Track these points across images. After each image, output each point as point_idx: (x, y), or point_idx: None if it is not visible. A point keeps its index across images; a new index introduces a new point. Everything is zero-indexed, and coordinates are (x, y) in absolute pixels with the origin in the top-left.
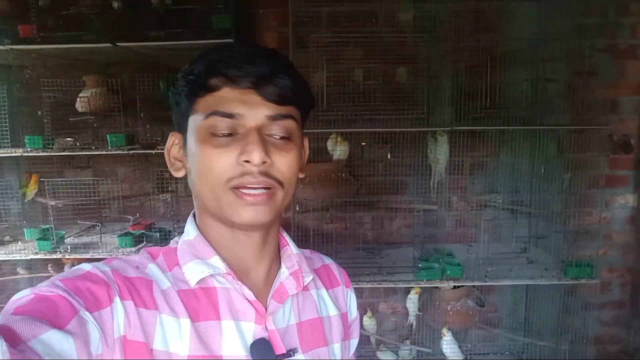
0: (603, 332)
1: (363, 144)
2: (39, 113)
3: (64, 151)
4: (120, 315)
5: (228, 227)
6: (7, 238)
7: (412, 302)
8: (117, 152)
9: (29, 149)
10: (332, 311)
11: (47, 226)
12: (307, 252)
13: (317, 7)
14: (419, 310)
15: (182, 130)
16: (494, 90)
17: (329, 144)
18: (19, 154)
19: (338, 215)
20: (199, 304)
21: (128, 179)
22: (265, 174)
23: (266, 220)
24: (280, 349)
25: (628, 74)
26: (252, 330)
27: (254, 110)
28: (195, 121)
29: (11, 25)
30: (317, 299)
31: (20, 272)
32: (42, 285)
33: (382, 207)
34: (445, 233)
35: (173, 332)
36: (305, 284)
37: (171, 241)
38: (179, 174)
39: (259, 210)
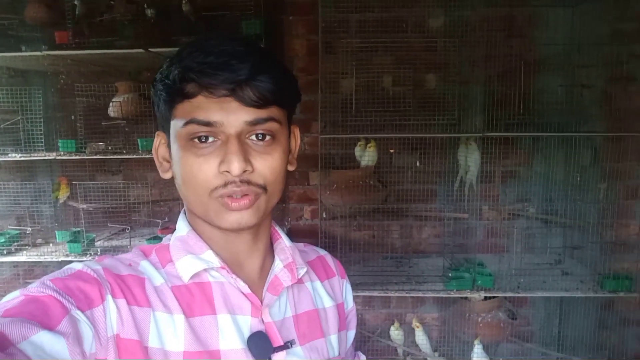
0: None
1: (391, 151)
2: (73, 118)
3: (96, 155)
4: (112, 313)
5: (217, 228)
6: (39, 240)
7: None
8: (148, 156)
9: (62, 153)
10: (327, 303)
11: (78, 229)
12: (301, 245)
13: (346, 14)
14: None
15: (166, 131)
16: (527, 96)
17: (357, 151)
18: (52, 157)
19: (365, 223)
20: (194, 300)
21: (157, 184)
22: (247, 181)
23: (252, 224)
24: (277, 341)
25: None
26: (248, 324)
27: (232, 117)
28: (175, 126)
29: (48, 33)
30: (312, 291)
31: None
32: (32, 286)
33: (411, 215)
34: (476, 243)
35: (167, 329)
36: (299, 277)
37: (163, 239)
38: (167, 176)
39: (243, 214)
